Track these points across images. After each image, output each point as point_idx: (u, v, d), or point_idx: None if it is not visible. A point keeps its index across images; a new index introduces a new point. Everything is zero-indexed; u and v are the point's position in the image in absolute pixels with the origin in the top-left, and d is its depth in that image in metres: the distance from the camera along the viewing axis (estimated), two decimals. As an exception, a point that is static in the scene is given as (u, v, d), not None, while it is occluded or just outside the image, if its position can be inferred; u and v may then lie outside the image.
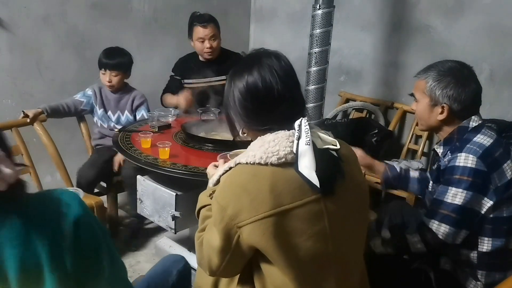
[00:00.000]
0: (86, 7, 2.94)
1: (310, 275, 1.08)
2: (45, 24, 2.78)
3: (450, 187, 1.43)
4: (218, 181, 1.15)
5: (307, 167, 1.02)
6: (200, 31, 2.66)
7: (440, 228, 1.44)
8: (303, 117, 1.07)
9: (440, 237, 1.43)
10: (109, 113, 2.64)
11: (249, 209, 1.02)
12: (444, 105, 1.48)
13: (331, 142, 1.10)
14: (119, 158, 2.48)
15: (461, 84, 1.46)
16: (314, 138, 1.06)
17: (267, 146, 1.05)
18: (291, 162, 1.04)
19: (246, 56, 1.17)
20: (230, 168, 1.11)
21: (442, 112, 1.49)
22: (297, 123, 1.05)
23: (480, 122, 1.51)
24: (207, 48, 2.68)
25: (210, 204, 1.18)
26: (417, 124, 1.86)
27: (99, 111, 2.64)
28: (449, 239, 1.44)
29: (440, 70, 1.50)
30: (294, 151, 1.04)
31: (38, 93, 2.81)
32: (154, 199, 2.00)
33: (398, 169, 1.84)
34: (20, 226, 0.88)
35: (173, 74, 2.87)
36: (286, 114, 1.09)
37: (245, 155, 1.08)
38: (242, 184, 1.04)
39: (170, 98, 2.74)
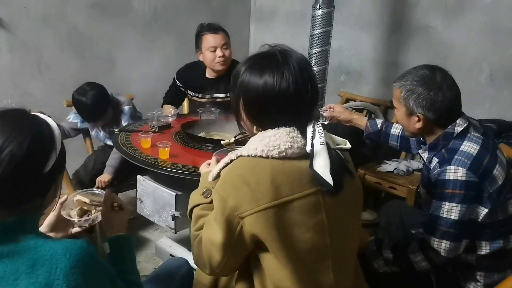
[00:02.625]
0: (86, 7, 2.94)
1: (309, 267, 1.10)
2: (45, 24, 2.79)
3: (444, 202, 1.40)
4: (218, 175, 1.16)
5: (321, 165, 1.04)
6: (211, 39, 2.47)
7: (441, 245, 1.42)
8: (310, 119, 1.10)
9: (443, 253, 1.42)
10: (101, 133, 2.59)
11: (251, 200, 1.03)
12: (419, 114, 1.45)
13: (341, 142, 1.12)
14: (102, 178, 2.39)
15: (434, 94, 1.42)
16: (326, 139, 1.09)
17: (268, 140, 1.07)
18: (290, 157, 1.07)
19: (268, 51, 1.15)
20: (231, 161, 1.13)
21: (419, 121, 1.47)
22: (310, 126, 1.08)
23: (465, 125, 1.47)
24: (219, 57, 2.47)
25: (203, 203, 1.20)
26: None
27: (93, 132, 2.61)
28: (451, 253, 1.42)
29: (413, 79, 1.46)
30: (308, 150, 1.06)
31: (38, 93, 2.81)
32: (154, 199, 2.00)
33: (379, 125, 1.90)
34: (15, 267, 0.86)
35: (176, 80, 2.74)
36: (290, 116, 1.10)
37: (246, 148, 1.10)
38: (243, 176, 1.06)
39: (167, 112, 2.56)
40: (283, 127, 1.09)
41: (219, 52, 2.47)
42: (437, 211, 1.43)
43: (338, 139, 1.13)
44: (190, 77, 2.69)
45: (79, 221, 1.21)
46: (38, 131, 0.93)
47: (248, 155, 1.09)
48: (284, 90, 1.07)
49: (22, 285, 0.85)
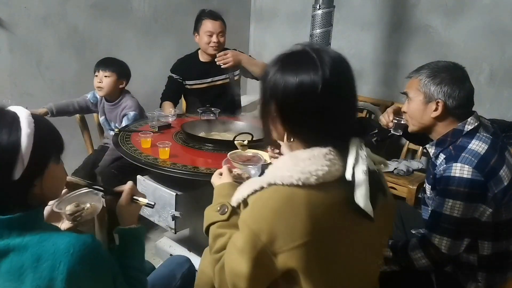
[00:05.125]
0: (86, 7, 2.94)
1: None
2: (45, 24, 2.78)
3: (447, 199, 1.40)
4: (243, 200, 1.04)
5: (362, 196, 0.96)
6: (209, 25, 2.62)
7: (442, 242, 1.41)
8: (357, 136, 0.99)
9: (443, 250, 1.41)
10: (110, 122, 2.61)
11: (285, 236, 0.93)
12: (439, 100, 1.45)
13: (380, 161, 1.03)
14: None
15: (456, 81, 1.45)
16: (368, 160, 0.99)
17: (303, 165, 0.95)
18: (329, 182, 0.96)
19: (305, 50, 1.00)
20: (261, 187, 0.99)
21: (436, 109, 1.46)
22: (353, 148, 0.97)
23: (476, 124, 1.47)
24: (214, 42, 2.63)
25: (219, 221, 1.11)
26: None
27: (101, 118, 2.64)
28: (452, 251, 1.41)
29: (433, 67, 1.49)
30: (349, 177, 0.96)
31: (38, 93, 2.81)
32: (154, 199, 2.00)
33: None
34: (20, 262, 0.87)
35: (172, 75, 2.80)
36: (337, 130, 0.99)
37: (280, 175, 0.96)
38: (278, 209, 0.94)
39: (167, 110, 2.60)
40: (318, 147, 0.98)
41: (214, 38, 2.63)
42: (439, 207, 1.42)
43: (377, 158, 1.01)
44: (186, 66, 2.78)
45: (67, 214, 1.21)
46: None
47: (283, 184, 0.95)
48: (323, 90, 0.94)
49: (28, 279, 0.86)
